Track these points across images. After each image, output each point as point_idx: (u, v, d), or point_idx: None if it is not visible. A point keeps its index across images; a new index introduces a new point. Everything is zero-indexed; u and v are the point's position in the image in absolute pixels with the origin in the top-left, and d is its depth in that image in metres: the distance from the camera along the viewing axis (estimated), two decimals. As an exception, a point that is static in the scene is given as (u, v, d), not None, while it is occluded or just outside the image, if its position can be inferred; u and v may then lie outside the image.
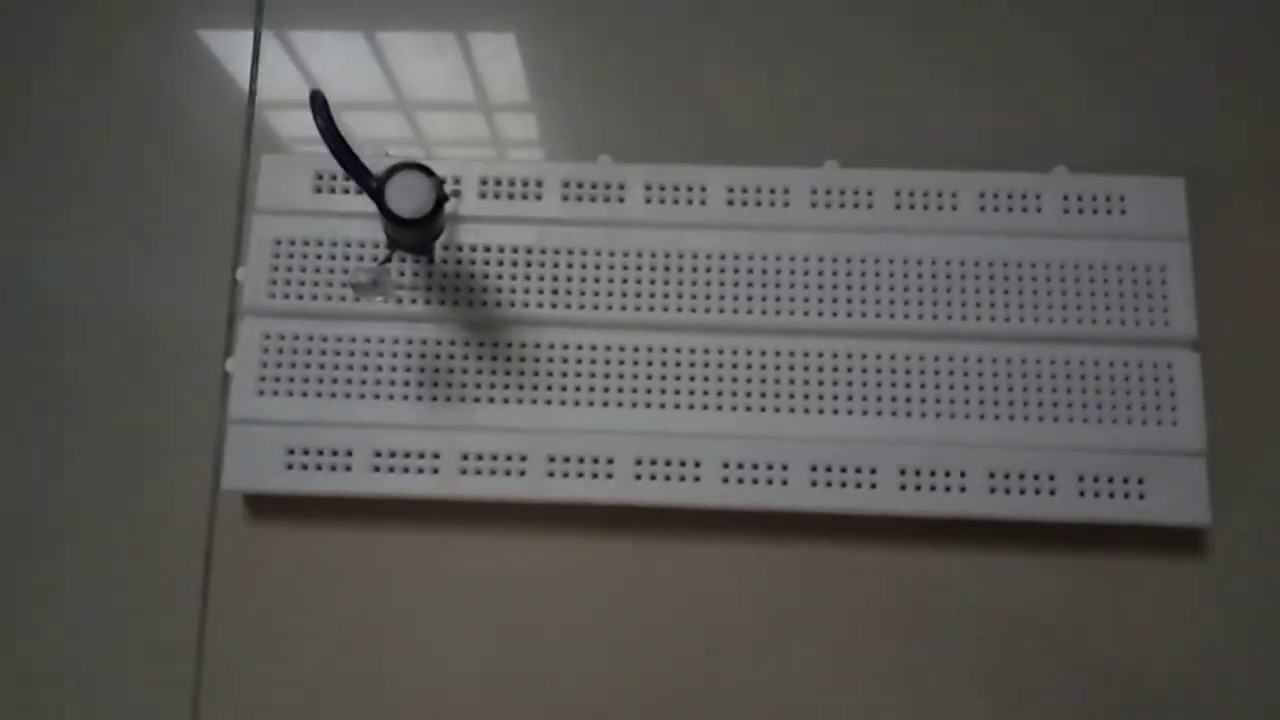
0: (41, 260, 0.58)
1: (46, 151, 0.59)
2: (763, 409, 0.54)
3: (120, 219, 0.58)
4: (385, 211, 0.44)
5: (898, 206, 0.56)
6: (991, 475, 0.53)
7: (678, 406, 0.54)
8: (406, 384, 0.54)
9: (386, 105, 0.60)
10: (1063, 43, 0.61)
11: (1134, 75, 0.60)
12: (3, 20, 0.60)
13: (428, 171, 0.44)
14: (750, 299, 0.55)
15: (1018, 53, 0.61)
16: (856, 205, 0.56)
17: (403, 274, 0.54)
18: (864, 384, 0.54)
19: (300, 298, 0.55)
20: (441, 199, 0.44)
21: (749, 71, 0.60)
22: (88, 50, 0.60)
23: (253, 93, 0.60)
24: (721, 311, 0.55)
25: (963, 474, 0.53)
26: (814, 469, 0.53)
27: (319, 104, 0.48)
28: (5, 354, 0.57)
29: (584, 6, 0.61)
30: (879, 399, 0.54)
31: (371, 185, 0.47)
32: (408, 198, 0.44)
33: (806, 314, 0.55)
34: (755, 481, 0.53)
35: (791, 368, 0.54)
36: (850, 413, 0.54)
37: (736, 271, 0.55)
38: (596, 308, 0.55)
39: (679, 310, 0.55)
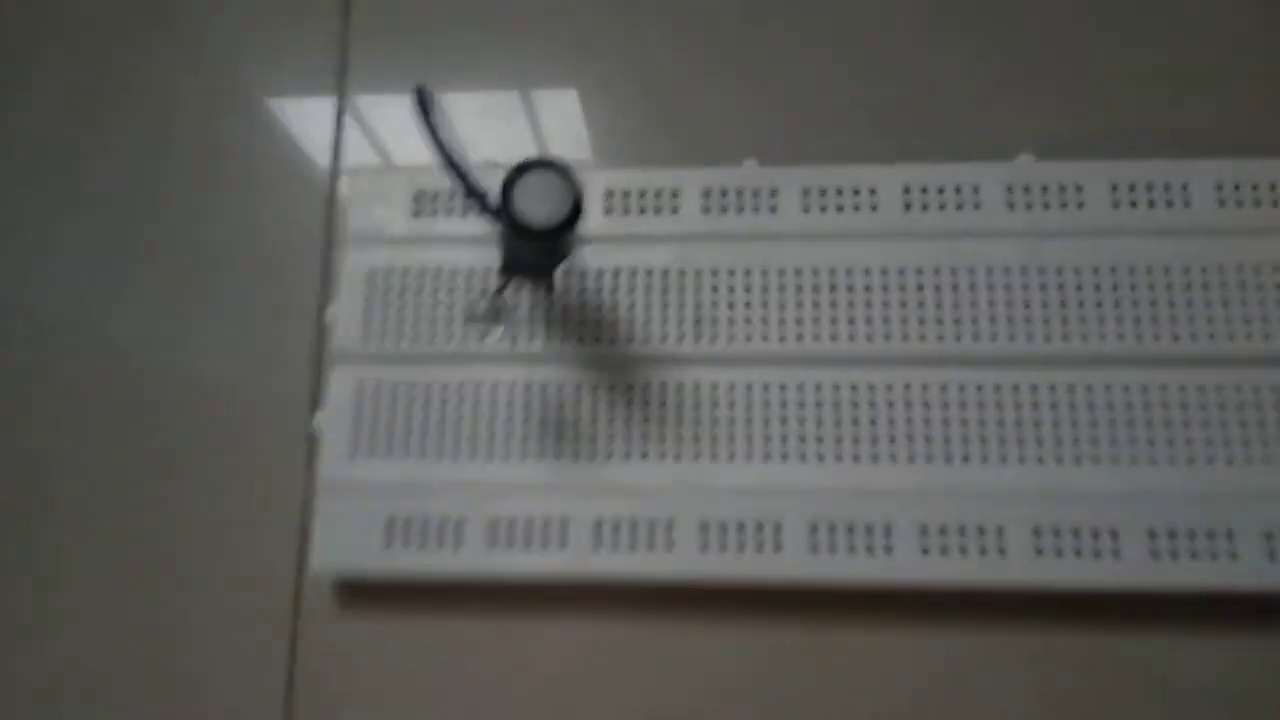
0: (104, 304, 0.51)
1: (117, 194, 0.52)
2: (965, 458, 0.43)
3: (190, 253, 0.51)
4: (511, 221, 0.35)
5: (1116, 205, 0.46)
6: (1270, 537, 0.41)
7: (857, 459, 0.43)
8: (527, 439, 0.44)
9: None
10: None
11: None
12: (114, 85, 0.54)
13: (562, 170, 0.36)
14: (939, 322, 0.45)
15: (1250, 11, 0.50)
16: (1064, 205, 0.46)
17: (518, 307, 0.45)
18: (1092, 424, 0.43)
19: (400, 339, 0.46)
20: (580, 203, 0.35)
21: (909, 54, 0.51)
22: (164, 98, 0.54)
23: (340, 117, 0.52)
24: (905, 338, 0.45)
25: (1229, 535, 0.41)
26: (1036, 533, 0.42)
27: (424, 101, 0.40)
28: (60, 402, 0.49)
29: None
30: (1114, 442, 0.43)
31: (485, 195, 0.39)
32: (539, 202, 0.35)
33: (1012, 338, 0.44)
34: (963, 551, 0.42)
35: (998, 405, 0.44)
36: (1078, 460, 0.43)
37: (920, 289, 0.45)
38: (749, 339, 0.45)
39: (850, 339, 0.45)
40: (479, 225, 0.47)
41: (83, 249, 0.51)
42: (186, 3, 0.54)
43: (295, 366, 0.49)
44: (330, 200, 0.51)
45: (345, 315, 0.47)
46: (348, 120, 0.53)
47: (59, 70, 0.54)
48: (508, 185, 0.35)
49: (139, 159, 0.52)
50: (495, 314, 0.39)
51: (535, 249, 0.38)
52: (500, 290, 0.42)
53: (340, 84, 0.53)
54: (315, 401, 0.48)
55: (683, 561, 0.42)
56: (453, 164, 0.40)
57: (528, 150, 0.50)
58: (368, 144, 0.52)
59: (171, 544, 0.47)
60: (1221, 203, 0.45)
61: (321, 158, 0.52)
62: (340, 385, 0.46)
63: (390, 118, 0.52)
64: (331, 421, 0.45)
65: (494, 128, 0.51)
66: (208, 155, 0.52)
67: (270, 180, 0.52)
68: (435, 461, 0.44)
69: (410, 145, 0.52)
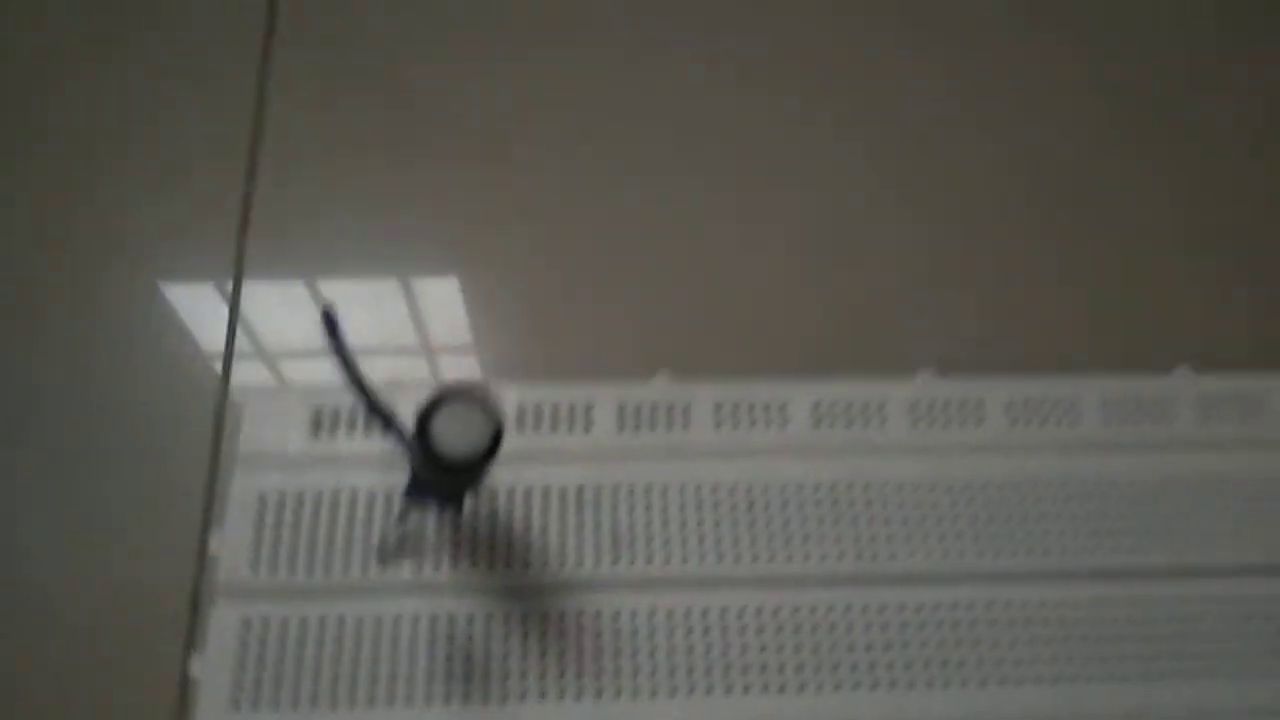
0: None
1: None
2: (905, 683, 0.42)
3: (54, 460, 0.46)
4: (428, 453, 0.33)
5: (1014, 421, 0.48)
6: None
7: (803, 688, 0.42)
8: (432, 680, 0.41)
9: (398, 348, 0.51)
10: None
11: None
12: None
13: (481, 399, 0.34)
14: (856, 540, 0.44)
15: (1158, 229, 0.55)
16: (964, 422, 0.47)
17: (424, 534, 0.43)
18: (1028, 642, 0.43)
19: (293, 571, 0.42)
20: (500, 433, 0.34)
21: (809, 269, 0.53)
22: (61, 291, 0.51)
23: (231, 337, 0.50)
24: (840, 558, 0.44)
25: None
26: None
27: (331, 323, 0.39)
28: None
29: (628, 201, 0.54)
30: (1054, 659, 0.42)
31: (394, 419, 0.37)
32: (459, 433, 0.33)
33: (964, 553, 0.44)
34: (900, 785, 0.40)
35: (921, 626, 0.43)
36: (1026, 680, 0.42)
37: (834, 504, 0.45)
38: (668, 561, 0.44)
39: (770, 559, 0.44)
40: (382, 445, 0.45)
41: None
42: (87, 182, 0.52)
43: (168, 601, 0.44)
44: (219, 413, 0.48)
45: (232, 544, 0.43)
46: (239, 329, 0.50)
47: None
48: (424, 417, 0.34)
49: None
50: (403, 545, 0.37)
51: (450, 479, 0.36)
52: (401, 516, 0.40)
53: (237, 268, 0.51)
54: (191, 642, 0.43)
55: (606, 814, 0.39)
56: (361, 386, 0.38)
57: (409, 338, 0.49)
58: (260, 361, 0.50)
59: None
60: (1105, 421, 0.48)
61: (208, 370, 0.49)
62: (224, 623, 0.41)
63: (284, 322, 0.51)
64: (212, 666, 0.41)
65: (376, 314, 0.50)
66: (86, 351, 0.49)
67: (155, 387, 0.49)
68: (330, 714, 0.40)
69: (305, 362, 0.50)
